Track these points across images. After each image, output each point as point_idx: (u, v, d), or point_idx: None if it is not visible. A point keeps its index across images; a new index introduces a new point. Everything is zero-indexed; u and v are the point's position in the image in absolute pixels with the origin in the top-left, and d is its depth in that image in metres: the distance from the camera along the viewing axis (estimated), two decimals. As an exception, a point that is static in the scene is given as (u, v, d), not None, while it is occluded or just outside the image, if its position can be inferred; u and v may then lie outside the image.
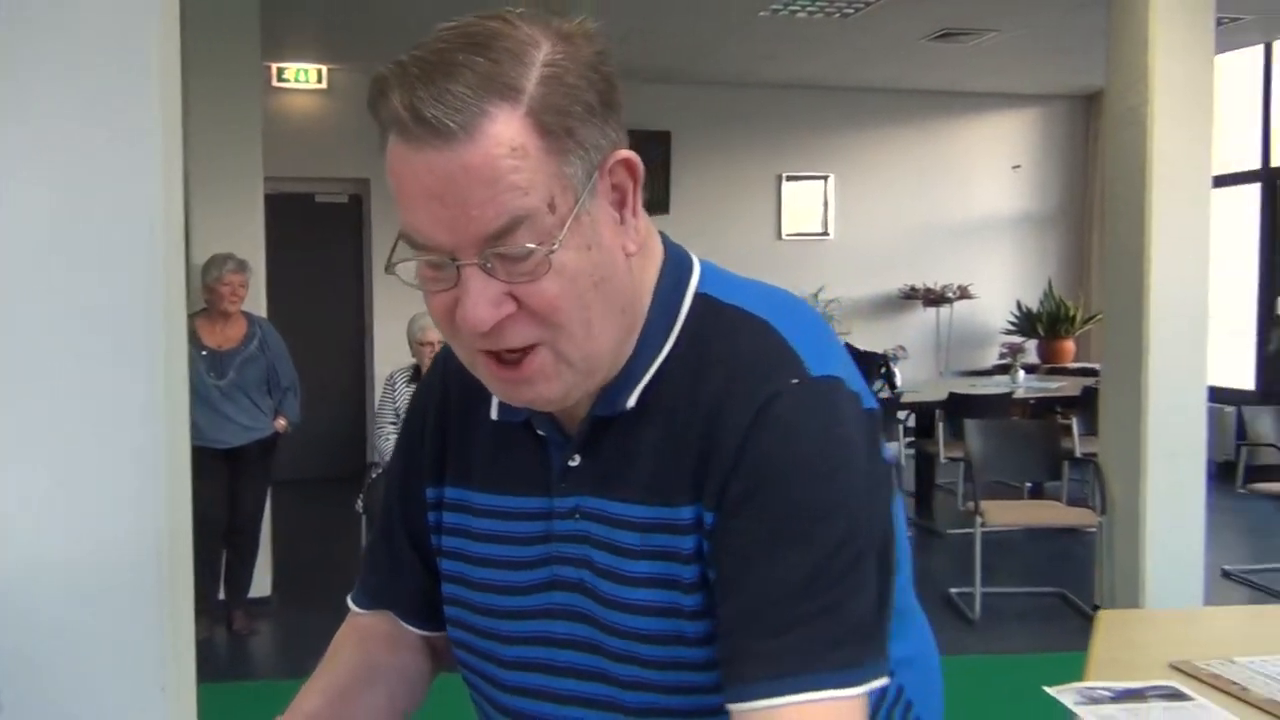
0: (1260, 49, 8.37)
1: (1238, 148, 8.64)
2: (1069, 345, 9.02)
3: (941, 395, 6.64)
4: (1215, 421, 6.52)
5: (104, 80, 1.93)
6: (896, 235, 9.41)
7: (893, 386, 6.69)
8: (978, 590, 4.91)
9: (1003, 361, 7.79)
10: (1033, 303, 9.27)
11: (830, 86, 9.10)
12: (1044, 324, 9.10)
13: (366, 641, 1.08)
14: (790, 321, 0.90)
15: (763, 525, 0.84)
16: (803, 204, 9.37)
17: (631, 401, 0.90)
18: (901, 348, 7.19)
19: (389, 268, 0.88)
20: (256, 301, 5.07)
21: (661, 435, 0.89)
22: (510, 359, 0.85)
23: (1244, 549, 6.07)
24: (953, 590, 5.20)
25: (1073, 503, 5.43)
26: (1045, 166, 9.70)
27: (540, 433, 0.95)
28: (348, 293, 8.37)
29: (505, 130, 0.78)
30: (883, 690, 0.93)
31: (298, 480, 6.93)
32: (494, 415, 0.97)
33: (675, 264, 0.94)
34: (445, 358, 1.04)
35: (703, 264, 0.96)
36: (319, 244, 8.24)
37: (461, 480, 1.00)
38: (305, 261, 7.88)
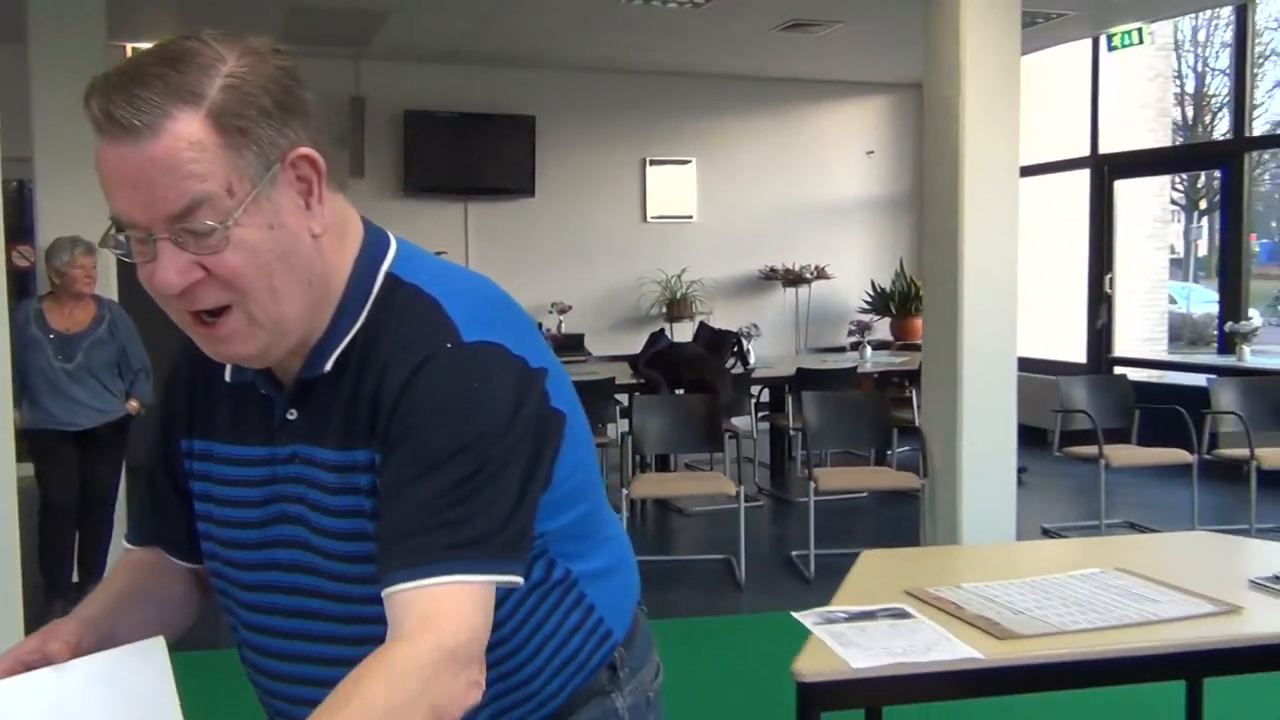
0: (1089, 44, 8.91)
1: (1073, 136, 9.20)
2: (918, 322, 9.41)
3: (793, 371, 6.98)
4: (1041, 392, 7.00)
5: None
6: (757, 218, 9.75)
7: (745, 363, 7.00)
8: (812, 552, 5.23)
9: (854, 338, 8.19)
10: (886, 282, 9.72)
11: (692, 73, 9.37)
12: (896, 302, 9.55)
13: (138, 569, 1.27)
14: (458, 299, 1.10)
15: (408, 460, 1.04)
16: (667, 187, 9.63)
17: (328, 365, 1.10)
18: (755, 326, 7.51)
19: (101, 243, 1.06)
20: (107, 285, 5.08)
21: (350, 393, 1.09)
22: (210, 320, 1.04)
23: (1062, 508, 6.56)
24: (793, 553, 5.52)
25: (906, 468, 5.80)
26: (896, 152, 10.14)
27: (263, 391, 1.14)
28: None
29: (186, 128, 0.97)
30: (562, 594, 1.17)
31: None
32: (228, 377, 1.17)
33: (372, 245, 1.13)
34: (188, 339, 1.20)
35: (400, 245, 1.15)
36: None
37: (206, 433, 1.20)
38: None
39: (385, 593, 1.02)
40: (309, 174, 1.04)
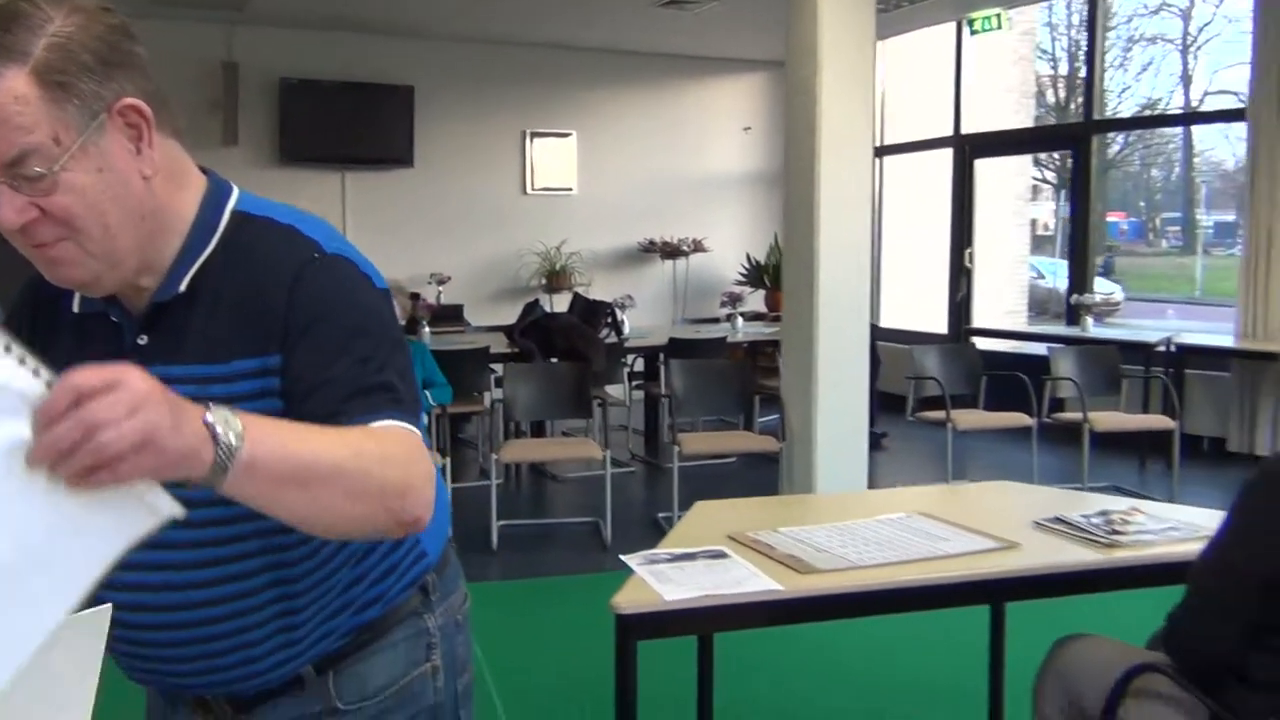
0: (953, 27, 9.28)
1: (937, 116, 9.58)
2: (789, 295, 9.79)
3: (666, 340, 7.18)
4: (900, 361, 7.34)
5: None
6: (636, 191, 9.92)
7: (619, 332, 7.18)
8: (676, 513, 5.43)
9: (726, 309, 8.43)
10: (761, 255, 10.00)
11: (574, 47, 9.47)
12: (770, 275, 9.84)
13: None
14: (309, 224, 1.26)
15: (319, 348, 1.18)
16: (548, 160, 9.72)
17: (183, 287, 1.22)
18: (629, 296, 7.67)
19: None
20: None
21: (210, 311, 1.22)
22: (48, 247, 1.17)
23: (915, 470, 6.92)
24: (659, 514, 5.73)
25: (768, 434, 6.05)
26: (772, 128, 10.38)
27: (114, 319, 1.26)
28: None
29: (11, 85, 1.08)
30: None
31: None
32: (76, 308, 1.28)
33: (216, 190, 1.27)
34: (37, 274, 1.30)
35: (241, 192, 1.29)
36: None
37: (53, 367, 1.29)
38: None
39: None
40: (137, 122, 1.16)
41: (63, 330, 1.29)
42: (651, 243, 9.82)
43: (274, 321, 1.19)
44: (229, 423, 0.96)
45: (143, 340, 1.23)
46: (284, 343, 1.19)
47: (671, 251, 9.75)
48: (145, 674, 1.30)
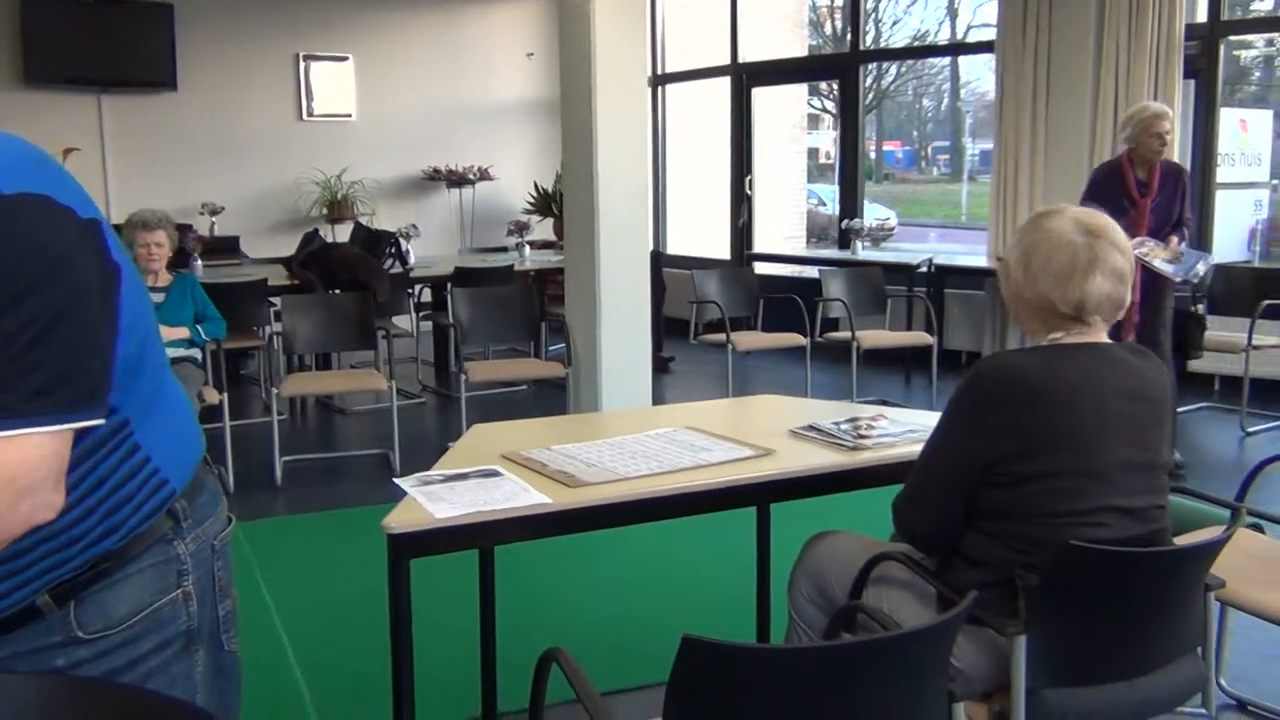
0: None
1: (715, 46, 9.76)
2: (574, 222, 9.86)
3: (453, 270, 7.13)
4: (685, 286, 7.55)
5: None
6: (419, 118, 9.70)
7: (404, 263, 7.07)
8: (467, 440, 5.47)
9: (513, 238, 8.41)
10: (548, 184, 10.00)
11: (346, -34, 9.11)
12: (558, 203, 9.86)
13: None
14: None
15: None
16: (325, 85, 9.36)
17: None
18: (414, 226, 7.56)
19: None
20: None
21: None
22: None
23: (704, 392, 7.18)
24: (450, 444, 5.72)
25: (557, 360, 6.14)
26: (556, 55, 10.33)
27: None
28: None
29: None
30: (114, 443, 1.26)
31: None
32: None
33: None
34: None
35: None
36: None
37: None
38: None
39: None
40: None
41: None
42: (436, 171, 9.66)
43: None
44: None
45: None
46: None
47: (457, 180, 9.63)
48: None
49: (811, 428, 2.66)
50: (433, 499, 2.14)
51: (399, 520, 2.02)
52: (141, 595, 1.31)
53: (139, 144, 8.41)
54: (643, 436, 2.62)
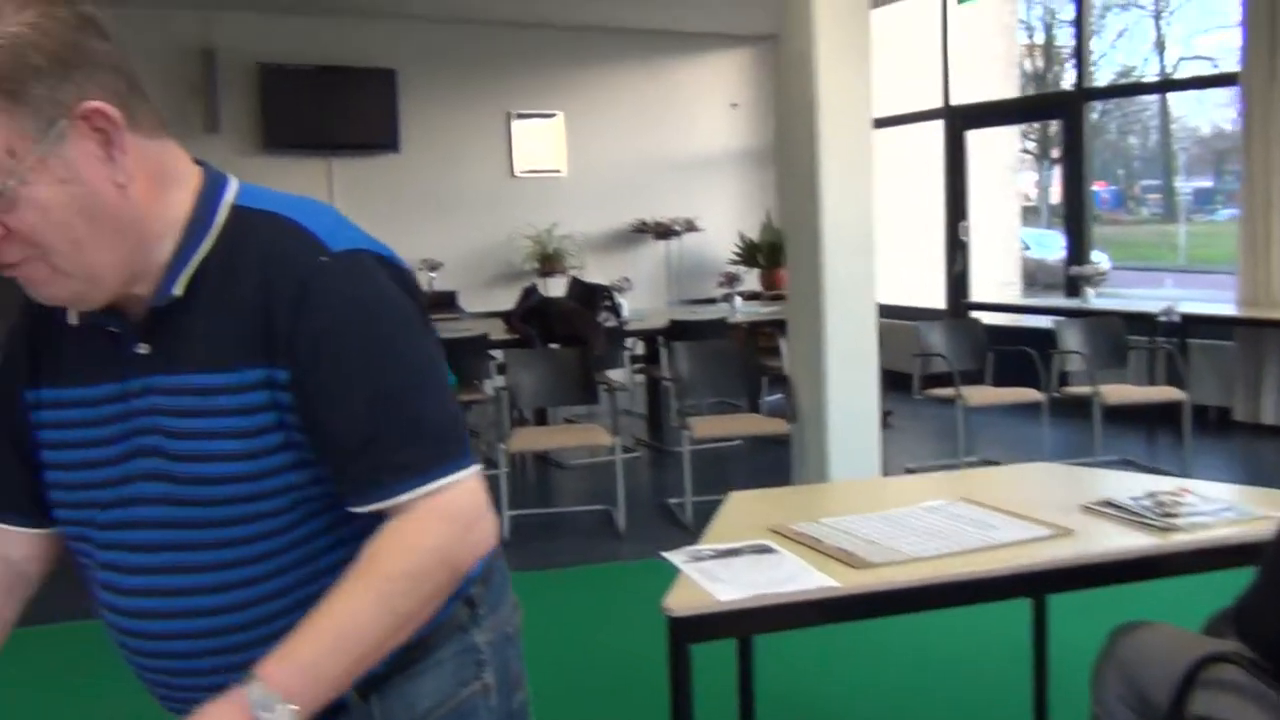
0: (940, -4, 9.17)
1: (926, 89, 9.48)
2: (787, 273, 9.67)
3: (666, 323, 7.09)
4: (903, 338, 7.27)
5: None
6: (626, 171, 9.80)
7: (618, 315, 7.08)
8: (689, 499, 5.36)
9: (724, 290, 8.33)
10: (754, 234, 9.90)
11: (556, 25, 9.32)
12: (764, 254, 9.74)
13: None
14: (311, 216, 1.15)
15: (338, 373, 1.10)
16: (534, 141, 9.58)
17: (178, 289, 1.12)
18: (626, 279, 7.57)
19: None
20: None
21: (212, 316, 1.12)
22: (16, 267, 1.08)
23: (924, 447, 6.85)
24: (670, 500, 5.65)
25: (776, 415, 5.98)
26: (760, 104, 10.29)
27: (112, 329, 1.15)
28: None
29: None
30: None
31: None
32: (73, 320, 1.18)
33: (211, 185, 1.16)
34: None
35: (240, 184, 1.19)
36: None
37: (54, 380, 1.20)
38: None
39: (371, 508, 1.11)
40: (104, 126, 1.05)
41: (64, 342, 1.20)
42: (643, 223, 9.70)
43: (279, 335, 1.10)
44: (267, 702, 1.01)
45: (142, 349, 1.14)
46: (292, 360, 1.10)
47: (664, 232, 9.64)
48: (178, 701, 1.20)
49: (1109, 504, 2.40)
50: (710, 578, 2.00)
51: (680, 602, 1.90)
52: (443, 687, 1.25)
53: (365, 203, 8.77)
54: (917, 510, 2.42)
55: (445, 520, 1.11)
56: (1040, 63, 18.67)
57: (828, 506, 2.55)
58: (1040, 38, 18.29)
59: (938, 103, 9.33)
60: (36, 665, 3.69)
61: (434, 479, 1.11)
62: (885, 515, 2.38)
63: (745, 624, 1.94)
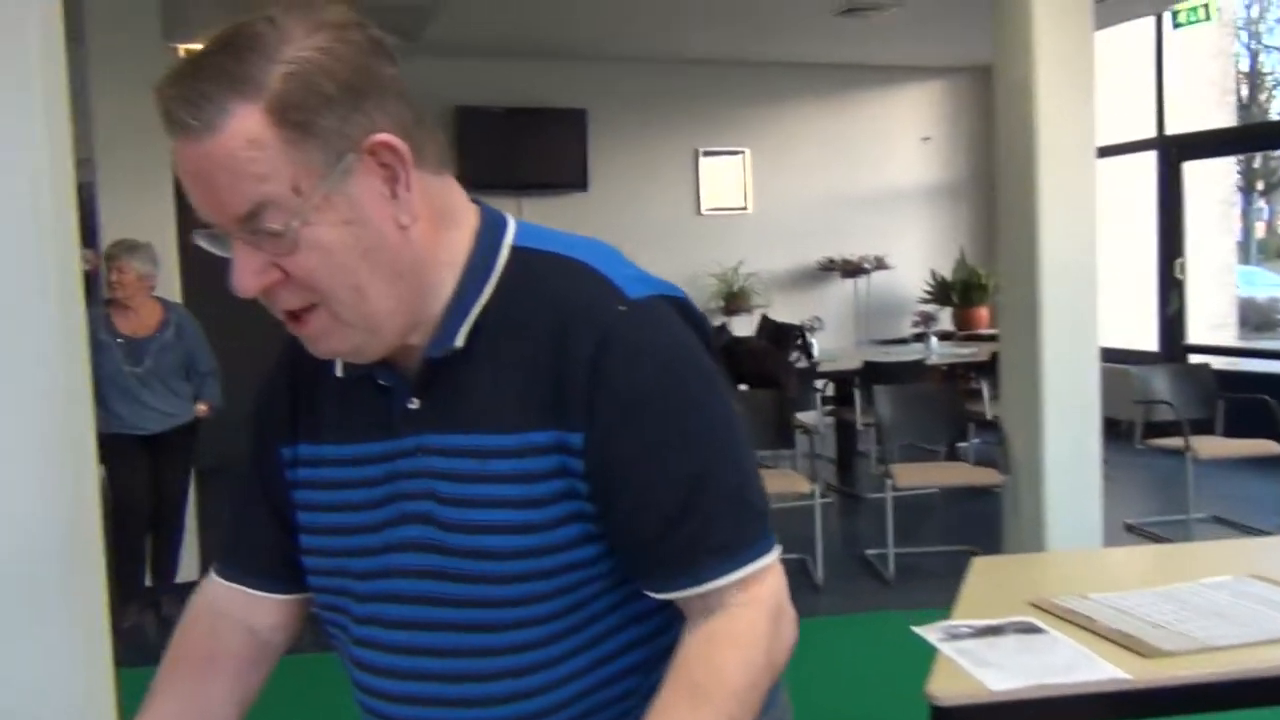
0: (1152, 21, 8.65)
1: (1136, 117, 8.94)
2: (982, 312, 9.27)
3: (859, 364, 6.83)
4: (1118, 382, 6.79)
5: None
6: (813, 208, 9.58)
7: (809, 356, 6.86)
8: (891, 551, 5.09)
9: (918, 329, 8.01)
10: (946, 271, 9.52)
11: (744, 62, 9.22)
12: (958, 292, 9.35)
13: (214, 619, 1.17)
14: (602, 258, 1.03)
15: (643, 439, 0.97)
16: (721, 179, 9.49)
17: (459, 340, 1.00)
18: (817, 319, 7.36)
19: (194, 238, 0.99)
20: (169, 286, 5.06)
21: (494, 370, 1.00)
22: (301, 316, 0.98)
23: (1145, 503, 6.35)
24: (869, 551, 5.38)
25: (982, 463, 5.64)
26: (953, 138, 9.93)
27: (382, 382, 1.05)
28: (267, 278, 8.31)
29: (243, 125, 0.89)
30: None
31: (224, 466, 6.90)
32: (339, 373, 1.08)
33: (490, 226, 1.05)
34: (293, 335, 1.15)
35: (518, 223, 1.07)
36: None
37: (313, 436, 1.10)
38: (223, 248, 7.86)
39: (676, 595, 0.99)
40: (391, 161, 0.95)
41: (325, 395, 1.10)
42: (831, 261, 9.45)
43: (575, 393, 0.97)
44: None
45: (414, 404, 1.03)
46: (589, 423, 0.97)
47: (852, 269, 9.37)
48: None
49: None
50: (976, 662, 1.79)
51: (946, 690, 1.69)
52: None
53: (553, 242, 8.84)
54: (1199, 586, 2.14)
55: (766, 614, 0.99)
56: (1245, 91, 17.54)
57: (1087, 577, 2.29)
58: (1245, 65, 17.21)
59: (1150, 132, 8.77)
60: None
61: (748, 562, 0.98)
62: (1162, 592, 2.11)
63: (1023, 718, 1.71)
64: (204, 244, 0.97)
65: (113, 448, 4.64)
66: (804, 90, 9.57)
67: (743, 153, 9.50)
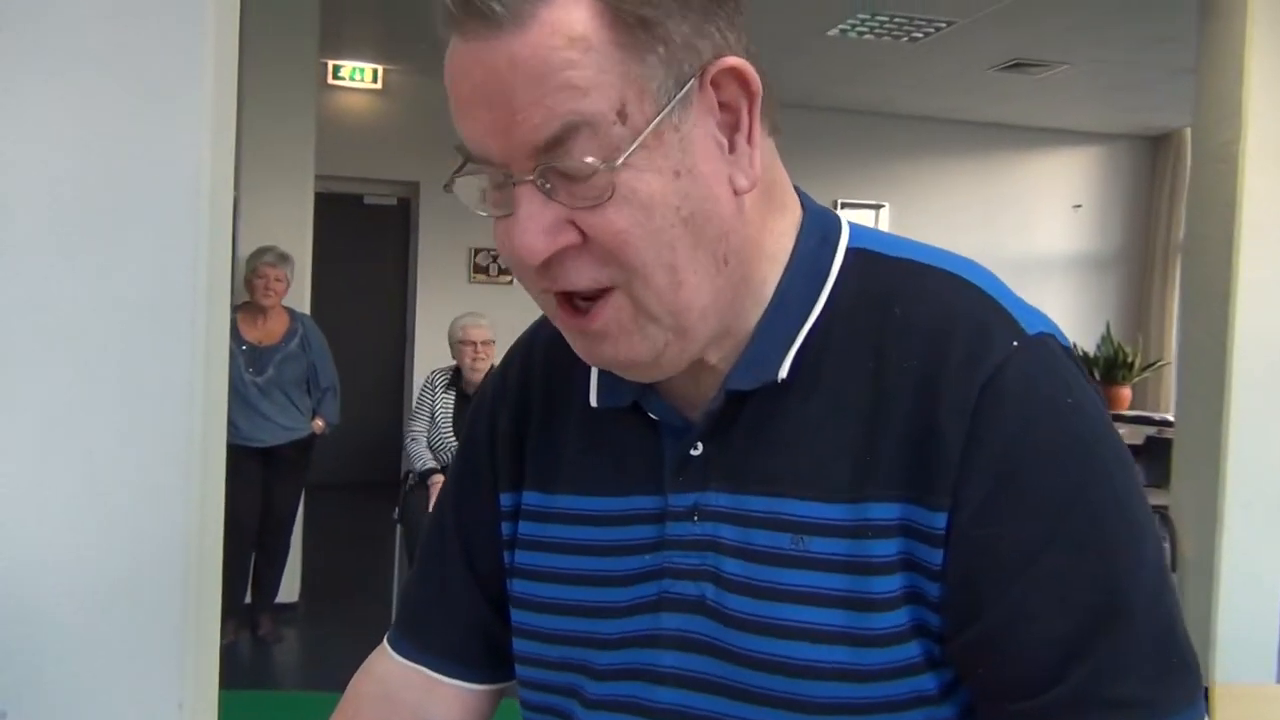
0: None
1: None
2: (1126, 392, 8.74)
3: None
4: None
5: (151, 57, 1.79)
6: (952, 269, 9.19)
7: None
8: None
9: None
10: (1090, 346, 9.01)
11: (890, 114, 8.93)
12: (1101, 369, 8.82)
13: (380, 703, 0.89)
14: (979, 272, 0.75)
15: (1038, 535, 0.67)
16: (856, 232, 9.19)
17: (784, 371, 0.72)
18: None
19: (447, 185, 0.71)
20: (300, 299, 4.95)
21: (826, 414, 0.71)
22: (583, 306, 0.70)
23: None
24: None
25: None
26: (1106, 207, 9.46)
27: (653, 416, 0.77)
28: (391, 296, 8.26)
29: (565, 16, 0.64)
30: None
31: (331, 484, 6.79)
32: (593, 401, 0.80)
33: (818, 219, 0.78)
34: (526, 347, 0.88)
35: (851, 224, 0.80)
36: (365, 245, 8.16)
37: (545, 483, 0.82)
38: (351, 262, 7.82)
39: None
40: (737, 99, 0.69)
41: (567, 432, 0.81)
42: (967, 326, 9.03)
43: (942, 456, 0.67)
44: None
45: (696, 450, 0.74)
46: (958, 500, 0.67)
47: (989, 336, 8.93)
48: None
49: None
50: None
51: None
52: None
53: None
54: None
55: None
56: None
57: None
58: None
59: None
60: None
61: None
62: None
63: None
64: (463, 193, 0.70)
65: (227, 459, 4.50)
66: (950, 147, 9.23)
67: (883, 206, 9.17)
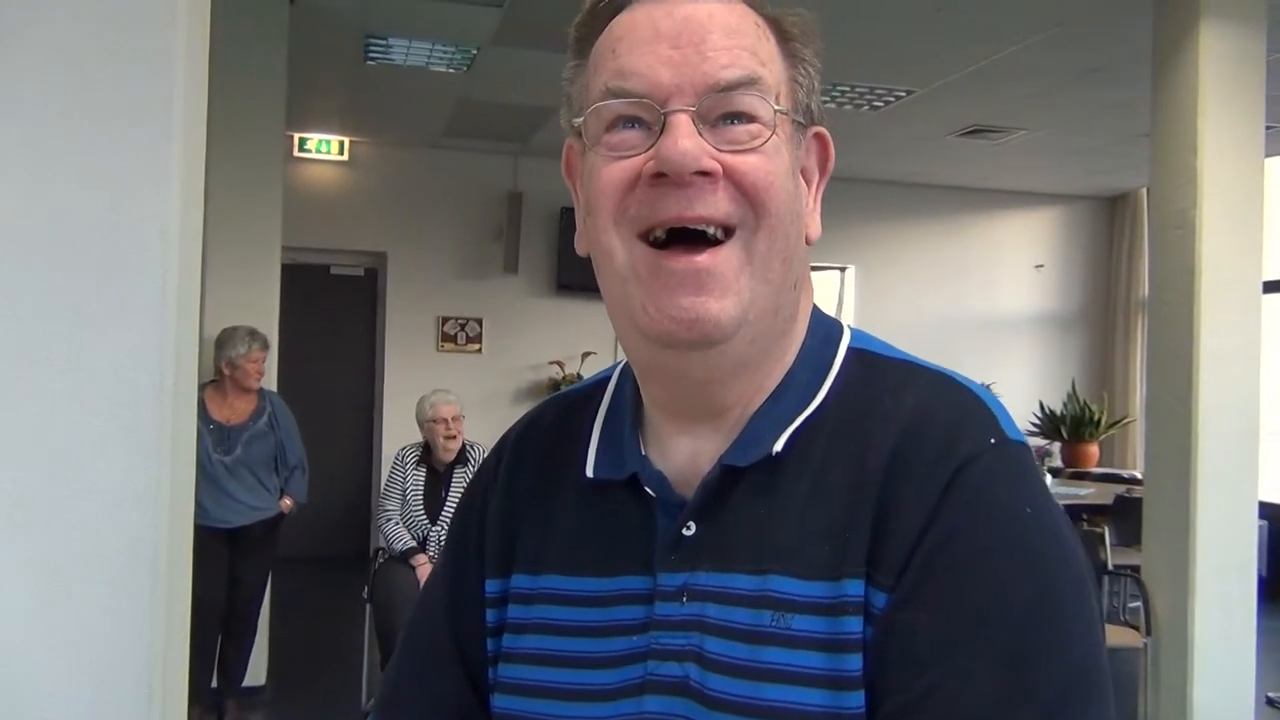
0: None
1: None
2: (1093, 449, 8.82)
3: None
4: (1260, 536, 6.28)
5: (116, 116, 1.78)
6: (918, 330, 9.25)
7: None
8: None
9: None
10: (1055, 404, 9.08)
11: (852, 178, 9.05)
12: (1067, 426, 8.89)
13: None
14: (973, 382, 0.80)
15: (952, 624, 0.67)
16: (823, 295, 9.24)
17: (779, 446, 0.75)
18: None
19: (575, 124, 0.81)
20: (268, 370, 4.90)
21: (814, 493, 0.73)
22: (705, 244, 0.75)
23: (1284, 672, 5.79)
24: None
25: (1108, 620, 5.17)
26: (1068, 267, 9.61)
27: (649, 491, 0.78)
28: (358, 368, 8.20)
29: (754, 13, 0.79)
30: None
31: (299, 558, 6.68)
32: (589, 472, 0.81)
33: (822, 322, 0.84)
34: (524, 431, 0.90)
35: (852, 327, 0.86)
36: (332, 315, 8.11)
37: (533, 566, 0.83)
38: (318, 332, 7.76)
39: None
40: (813, 165, 0.82)
41: (563, 508, 0.82)
42: (934, 386, 9.09)
43: (896, 542, 0.69)
44: None
45: (689, 530, 0.75)
46: (896, 584, 0.68)
47: (956, 396, 8.98)
48: None
49: None
50: None
51: None
52: None
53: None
54: None
55: None
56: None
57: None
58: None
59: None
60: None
61: None
62: None
63: None
64: (593, 121, 0.77)
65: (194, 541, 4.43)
66: (913, 209, 9.37)
67: (848, 268, 9.27)
